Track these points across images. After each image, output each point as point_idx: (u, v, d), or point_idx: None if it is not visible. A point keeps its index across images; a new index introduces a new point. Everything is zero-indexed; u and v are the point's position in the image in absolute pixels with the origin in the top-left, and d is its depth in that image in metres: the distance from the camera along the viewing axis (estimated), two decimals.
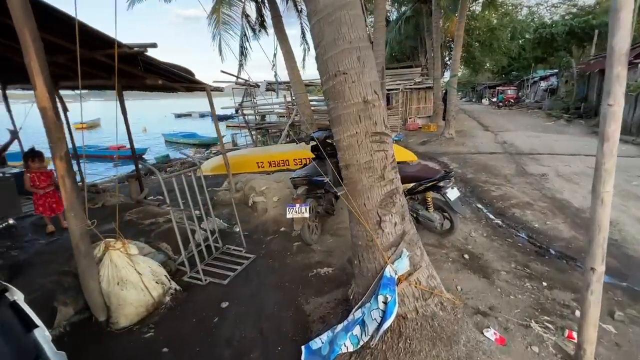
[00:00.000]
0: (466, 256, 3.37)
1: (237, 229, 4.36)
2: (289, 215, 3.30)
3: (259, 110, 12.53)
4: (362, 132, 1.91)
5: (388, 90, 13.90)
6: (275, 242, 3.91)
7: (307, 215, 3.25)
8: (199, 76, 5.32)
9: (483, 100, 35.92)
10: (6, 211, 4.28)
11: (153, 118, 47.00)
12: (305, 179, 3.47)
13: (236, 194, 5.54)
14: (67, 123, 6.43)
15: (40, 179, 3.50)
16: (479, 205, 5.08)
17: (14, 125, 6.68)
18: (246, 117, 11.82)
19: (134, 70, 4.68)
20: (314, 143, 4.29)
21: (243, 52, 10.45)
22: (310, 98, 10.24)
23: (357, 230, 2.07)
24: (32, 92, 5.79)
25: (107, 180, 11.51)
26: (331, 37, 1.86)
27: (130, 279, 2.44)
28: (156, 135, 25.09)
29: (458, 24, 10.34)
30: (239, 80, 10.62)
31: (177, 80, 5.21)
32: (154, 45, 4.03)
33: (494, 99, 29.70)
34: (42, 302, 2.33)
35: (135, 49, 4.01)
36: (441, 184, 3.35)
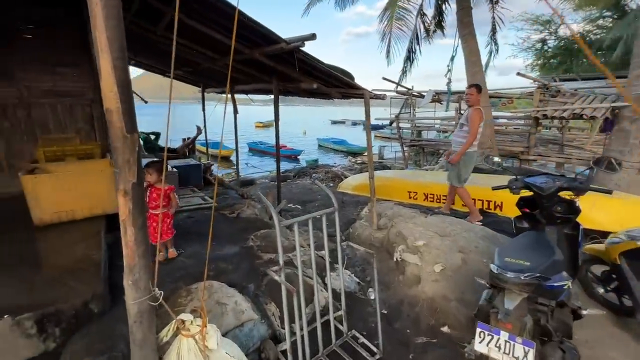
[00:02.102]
0: None
1: (372, 297, 3.01)
2: (479, 347, 1.63)
3: (417, 125, 10.87)
4: None
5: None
6: (432, 354, 2.29)
7: None
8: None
9: None
10: None
11: (314, 123, 52.87)
12: (532, 282, 1.66)
13: (378, 232, 4.21)
14: (235, 125, 6.87)
15: (152, 196, 2.78)
16: None
17: (204, 122, 7.83)
18: (401, 130, 10.40)
19: (290, 71, 4.10)
20: (527, 194, 2.42)
21: (410, 57, 9.08)
22: (493, 114, 7.74)
23: None
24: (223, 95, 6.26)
25: (263, 175, 12.73)
26: None
27: None
28: (313, 139, 27.40)
29: None
30: (400, 88, 9.32)
31: (333, 85, 4.38)
32: (312, 37, 3.18)
33: None
34: None
35: (292, 44, 3.30)
36: None
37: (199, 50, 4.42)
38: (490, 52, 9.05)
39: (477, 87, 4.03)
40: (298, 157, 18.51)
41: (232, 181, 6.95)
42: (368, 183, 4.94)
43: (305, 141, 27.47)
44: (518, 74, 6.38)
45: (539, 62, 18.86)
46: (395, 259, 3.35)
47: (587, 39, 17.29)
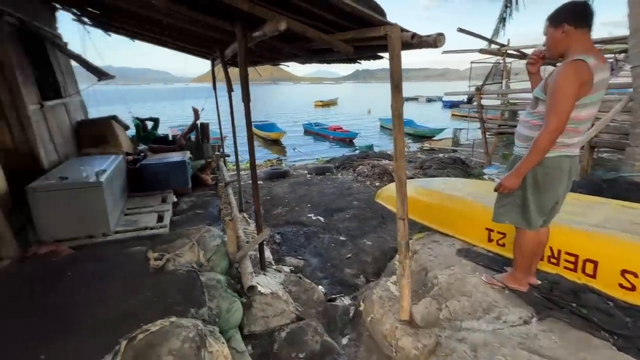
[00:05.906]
0: None
1: None
2: None
3: (511, 101, 7.51)
4: None
5: None
6: None
7: None
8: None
9: None
10: None
11: (383, 101, 48.27)
12: None
13: (409, 335, 1.99)
14: (231, 105, 5.01)
15: None
16: None
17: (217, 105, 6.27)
18: (484, 110, 7.24)
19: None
20: None
21: None
22: None
23: None
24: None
25: (307, 163, 10.76)
26: None
27: None
28: (376, 119, 24.39)
29: None
30: (492, 46, 6.18)
31: (329, 23, 2.13)
32: None
33: None
34: None
35: None
36: None
37: None
38: None
39: (553, 18, 1.55)
40: (353, 140, 16.17)
41: (230, 182, 5.21)
42: (417, 199, 3.05)
43: (368, 122, 24.68)
44: None
45: None
46: None
47: None
